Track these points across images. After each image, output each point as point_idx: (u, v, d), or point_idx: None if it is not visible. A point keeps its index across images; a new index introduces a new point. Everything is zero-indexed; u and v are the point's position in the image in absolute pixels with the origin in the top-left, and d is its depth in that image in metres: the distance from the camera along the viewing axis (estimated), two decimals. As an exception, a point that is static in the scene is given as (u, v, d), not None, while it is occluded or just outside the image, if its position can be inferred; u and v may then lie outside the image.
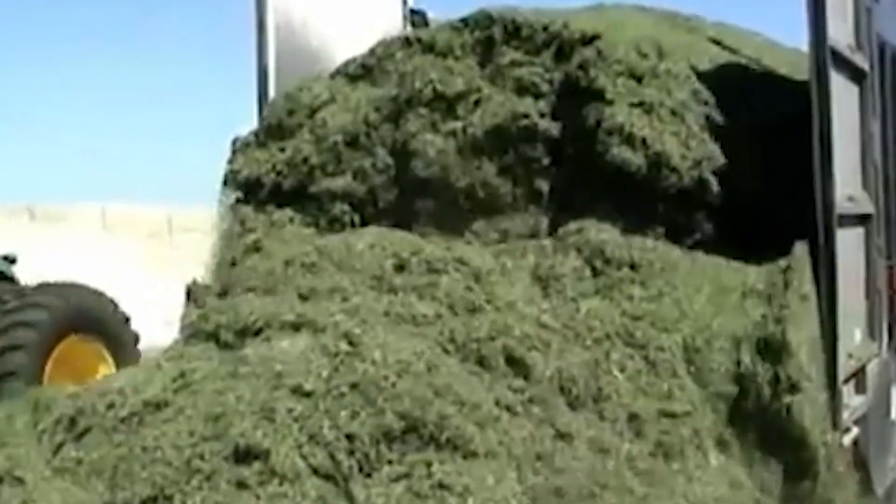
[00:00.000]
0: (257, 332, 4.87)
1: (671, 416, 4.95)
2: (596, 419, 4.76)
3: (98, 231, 20.31)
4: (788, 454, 5.05)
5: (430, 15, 7.42)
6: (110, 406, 4.63)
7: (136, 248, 21.19)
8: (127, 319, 9.31)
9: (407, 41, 6.45)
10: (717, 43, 6.93)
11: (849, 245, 5.71)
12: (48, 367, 8.12)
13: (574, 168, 5.95)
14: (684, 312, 5.32)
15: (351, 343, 4.44)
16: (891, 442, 6.39)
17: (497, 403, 4.48)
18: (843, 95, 5.69)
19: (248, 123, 6.60)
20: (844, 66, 5.74)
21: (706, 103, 5.97)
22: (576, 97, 5.98)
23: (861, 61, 6.03)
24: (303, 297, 5.06)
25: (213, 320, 5.04)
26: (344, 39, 6.87)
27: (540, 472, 4.34)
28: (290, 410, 4.12)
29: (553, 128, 5.97)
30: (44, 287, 8.64)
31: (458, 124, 6.03)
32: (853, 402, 5.77)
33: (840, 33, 5.67)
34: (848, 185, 5.70)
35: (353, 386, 4.19)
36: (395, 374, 4.26)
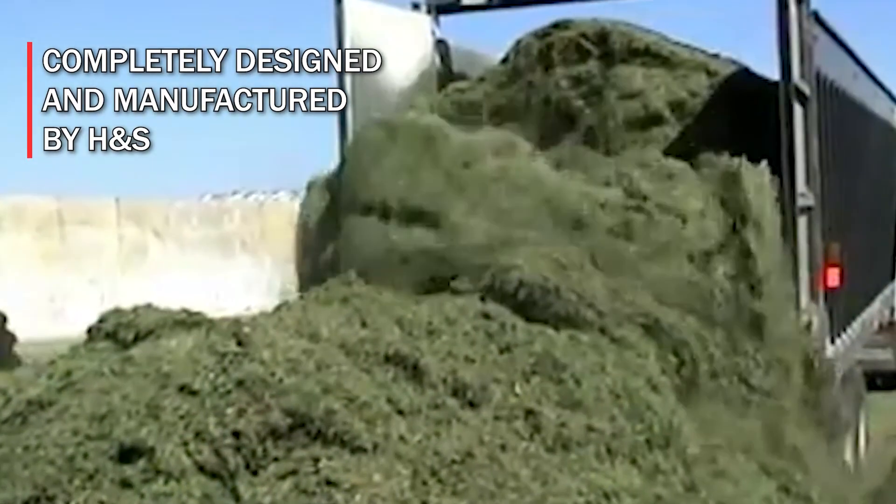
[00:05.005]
0: (149, 333, 5.01)
1: (571, 406, 5.18)
2: (492, 418, 4.95)
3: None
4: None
5: (451, 42, 9.57)
6: (-8, 406, 4.70)
7: (25, 241, 20.93)
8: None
9: None
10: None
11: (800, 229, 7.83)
12: None
13: None
14: None
15: (240, 342, 4.61)
16: None
17: (389, 402, 4.66)
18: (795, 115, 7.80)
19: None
20: (795, 91, 7.74)
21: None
22: None
23: (805, 87, 7.96)
24: None
25: (112, 321, 5.16)
26: (387, 67, 8.63)
27: (437, 473, 4.50)
28: (176, 408, 4.28)
29: None
30: None
31: None
32: None
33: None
34: (799, 184, 7.81)
35: (240, 383, 4.37)
36: (284, 371, 4.43)
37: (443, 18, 9.61)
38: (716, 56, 9.10)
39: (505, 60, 9.37)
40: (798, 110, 7.87)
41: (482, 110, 9.05)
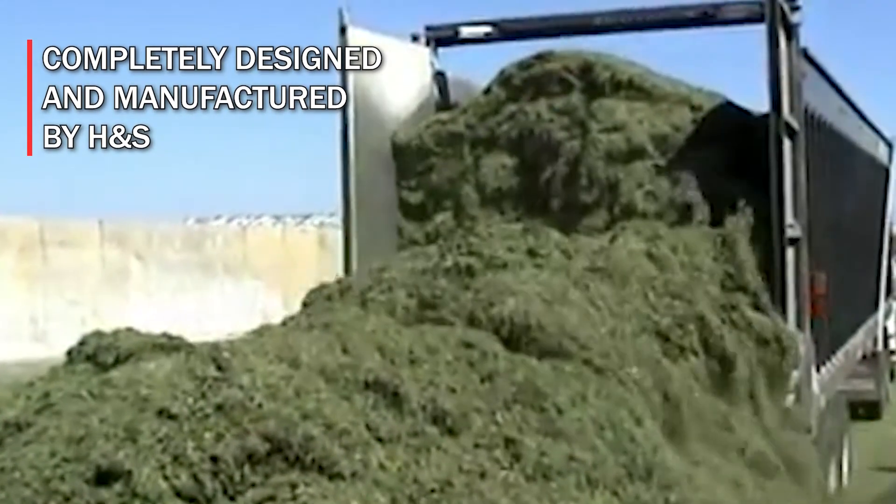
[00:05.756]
0: (128, 356, 5.02)
1: (552, 435, 5.18)
2: (471, 446, 4.97)
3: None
4: None
5: (449, 74, 10.07)
6: (-33, 428, 4.69)
7: (6, 262, 20.88)
8: None
9: None
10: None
11: (787, 260, 8.12)
12: None
13: None
14: None
15: (219, 367, 4.63)
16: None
17: (368, 429, 4.68)
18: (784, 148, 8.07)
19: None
20: (784, 126, 8.03)
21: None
22: None
23: (793, 122, 8.27)
24: None
25: (92, 343, 5.17)
26: (387, 96, 9.26)
27: (416, 501, 4.51)
28: (154, 432, 4.28)
29: None
30: None
31: None
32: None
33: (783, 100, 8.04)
34: (788, 215, 8.08)
35: (219, 408, 4.38)
36: (263, 397, 4.45)
37: (441, 50, 10.00)
38: (699, 90, 9.20)
39: (487, 91, 9.45)
40: (787, 144, 8.12)
41: (463, 141, 9.16)
